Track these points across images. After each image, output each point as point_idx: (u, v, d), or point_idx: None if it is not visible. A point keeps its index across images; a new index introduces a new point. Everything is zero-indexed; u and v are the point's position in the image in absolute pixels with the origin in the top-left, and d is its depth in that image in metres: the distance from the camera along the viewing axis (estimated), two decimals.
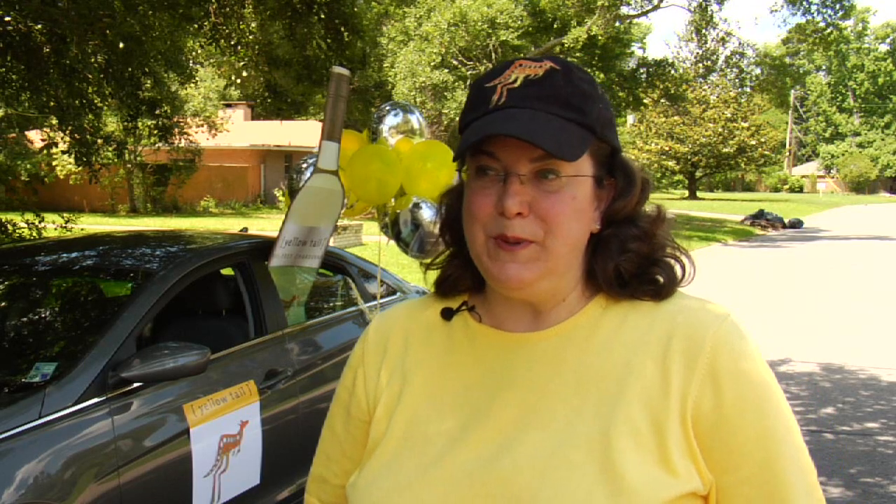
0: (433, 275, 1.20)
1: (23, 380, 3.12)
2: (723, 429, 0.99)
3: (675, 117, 47.31)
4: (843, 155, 75.94)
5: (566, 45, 25.20)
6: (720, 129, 49.35)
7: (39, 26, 8.81)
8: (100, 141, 10.53)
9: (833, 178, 76.64)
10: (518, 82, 1.03)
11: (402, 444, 1.08)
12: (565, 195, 1.01)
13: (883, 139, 75.67)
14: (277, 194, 29.27)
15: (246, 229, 5.94)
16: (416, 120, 4.46)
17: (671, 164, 52.09)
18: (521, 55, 28.02)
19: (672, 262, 1.10)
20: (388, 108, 4.53)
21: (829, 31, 29.06)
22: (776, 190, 74.99)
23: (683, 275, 1.09)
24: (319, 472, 1.25)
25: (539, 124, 0.99)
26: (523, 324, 1.10)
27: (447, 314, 1.15)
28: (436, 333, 1.16)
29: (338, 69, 4.03)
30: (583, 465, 0.97)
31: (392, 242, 4.49)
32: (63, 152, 12.51)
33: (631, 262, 1.07)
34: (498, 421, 1.04)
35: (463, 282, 1.16)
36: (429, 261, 1.20)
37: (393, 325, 1.19)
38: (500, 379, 1.07)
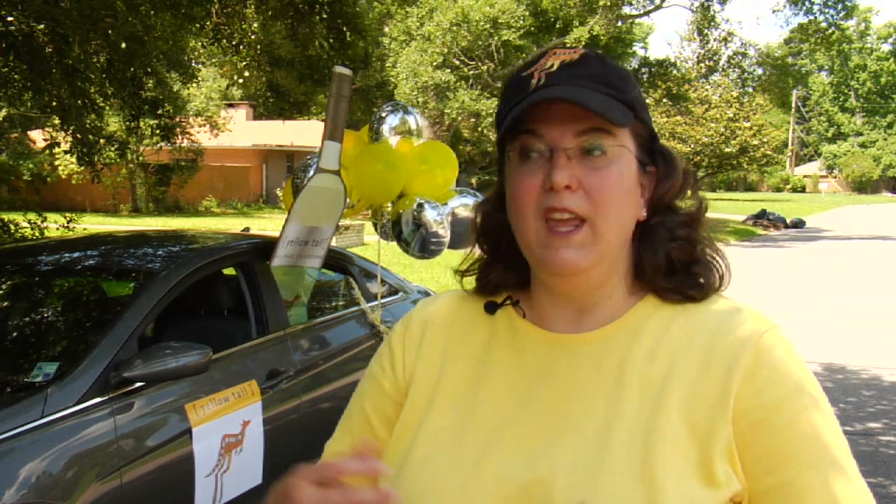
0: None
1: (25, 379, 3.12)
2: (760, 432, 0.97)
3: (677, 117, 47.22)
4: (845, 155, 75.84)
5: (568, 46, 25.18)
6: (722, 129, 49.24)
7: (42, 26, 8.82)
8: (102, 141, 10.55)
9: (835, 177, 76.55)
10: (555, 67, 1.03)
11: (440, 440, 1.06)
12: (612, 171, 1.00)
13: (885, 139, 75.55)
14: (279, 194, 29.27)
15: (248, 229, 5.95)
16: (413, 120, 4.47)
17: None
18: (524, 55, 27.98)
19: (713, 260, 1.09)
20: (387, 108, 4.54)
21: (831, 30, 29.04)
22: (778, 190, 74.91)
23: (721, 278, 1.09)
24: (340, 450, 1.19)
25: (584, 93, 0.99)
26: (567, 323, 1.08)
27: (491, 308, 1.14)
28: (478, 326, 1.14)
29: (340, 69, 4.02)
30: (621, 471, 0.95)
31: (391, 242, 4.50)
32: (65, 152, 12.52)
33: (682, 250, 1.06)
34: (535, 423, 1.03)
35: (506, 284, 1.14)
36: (464, 268, 1.18)
37: (437, 312, 1.17)
38: (539, 380, 1.06)
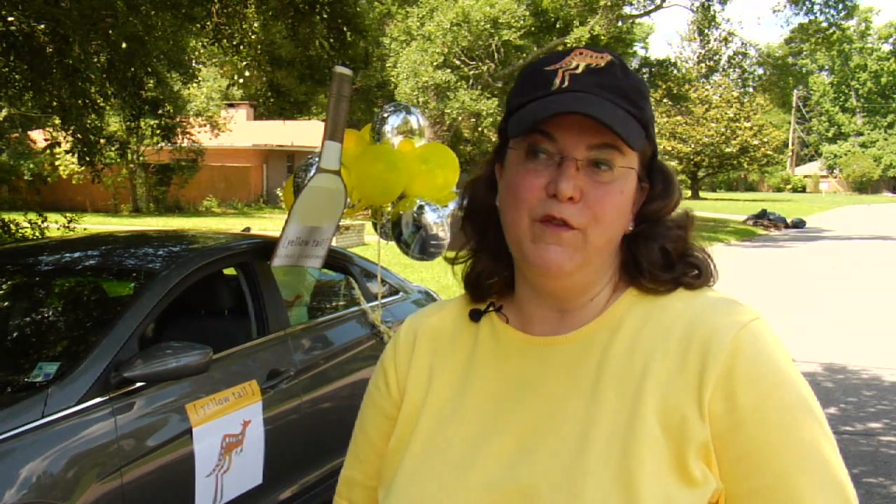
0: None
1: (25, 379, 3.12)
2: (738, 435, 0.95)
3: (678, 117, 47.27)
4: (845, 155, 75.82)
5: (569, 45, 25.15)
6: (723, 129, 49.33)
7: (42, 26, 8.83)
8: (102, 141, 10.56)
9: (836, 178, 76.54)
10: (580, 69, 1.02)
11: (427, 451, 1.07)
12: (615, 188, 1.01)
13: (886, 139, 75.54)
14: (279, 194, 29.25)
15: (248, 229, 5.95)
16: (415, 121, 4.47)
17: (674, 163, 52.08)
18: (525, 55, 27.81)
19: (703, 253, 1.10)
20: (390, 108, 4.54)
21: (831, 30, 29.04)
22: (779, 190, 74.91)
23: (711, 273, 1.09)
24: (350, 475, 1.22)
25: (607, 110, 0.98)
26: (549, 325, 1.08)
27: (475, 315, 1.14)
28: (463, 335, 1.15)
29: (340, 69, 4.02)
30: (600, 475, 0.95)
31: (392, 242, 4.50)
32: (66, 152, 12.53)
33: (675, 242, 1.07)
34: (518, 427, 1.03)
35: (492, 277, 1.14)
36: (453, 255, 1.18)
37: (422, 325, 1.18)
38: (521, 384, 1.06)
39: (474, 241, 1.15)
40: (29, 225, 10.23)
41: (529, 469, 0.99)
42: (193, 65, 15.59)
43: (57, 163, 25.35)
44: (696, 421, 0.96)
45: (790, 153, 76.84)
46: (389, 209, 4.39)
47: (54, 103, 9.69)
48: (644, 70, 29.96)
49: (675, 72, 30.86)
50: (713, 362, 0.97)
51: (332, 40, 10.27)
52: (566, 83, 1.01)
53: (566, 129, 0.99)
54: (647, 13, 30.33)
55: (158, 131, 12.21)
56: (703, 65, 34.28)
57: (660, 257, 1.06)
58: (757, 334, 0.99)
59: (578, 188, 0.99)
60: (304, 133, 32.98)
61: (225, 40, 10.85)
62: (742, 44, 32.09)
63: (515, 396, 1.05)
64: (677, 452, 0.95)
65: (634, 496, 0.93)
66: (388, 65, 28.18)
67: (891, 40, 78.73)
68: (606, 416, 0.99)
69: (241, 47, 11.12)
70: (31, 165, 26.47)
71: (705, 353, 0.98)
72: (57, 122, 10.62)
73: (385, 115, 4.48)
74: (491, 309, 1.13)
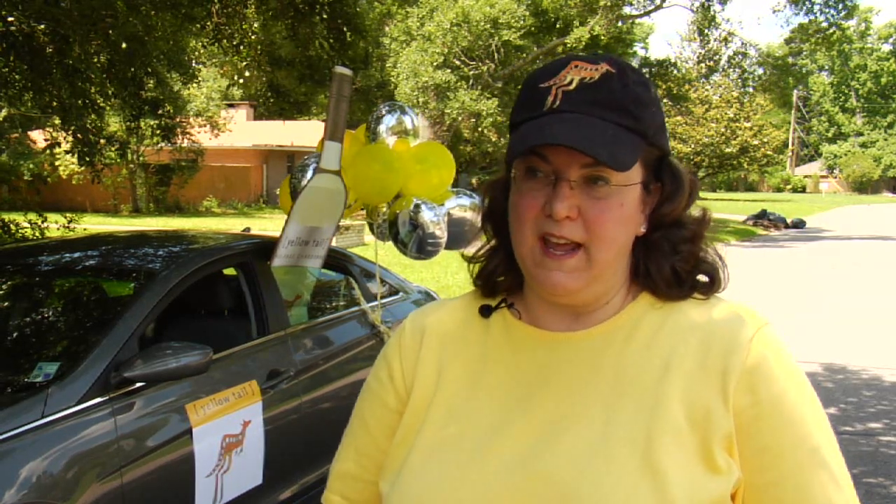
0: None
1: (25, 379, 3.12)
2: (759, 428, 1.00)
3: (678, 117, 47.20)
4: (845, 155, 75.80)
5: (569, 45, 25.20)
6: (723, 130, 49.26)
7: (42, 26, 8.83)
8: (102, 141, 10.56)
9: (836, 178, 76.52)
10: (573, 85, 1.02)
11: (439, 441, 1.07)
12: (613, 202, 1.02)
13: (886, 139, 75.51)
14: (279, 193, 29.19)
15: (248, 229, 5.95)
16: (409, 121, 4.46)
17: None
18: (524, 55, 27.74)
19: (715, 262, 1.12)
20: (385, 108, 4.53)
21: (831, 30, 29.04)
22: (779, 190, 74.88)
23: (721, 280, 1.11)
24: (346, 469, 1.21)
25: (594, 131, 0.99)
26: (563, 323, 1.10)
27: (486, 311, 1.15)
28: (473, 330, 1.15)
29: (340, 69, 4.02)
30: (624, 461, 0.98)
31: (387, 242, 4.50)
32: (66, 152, 12.53)
33: (686, 261, 1.09)
34: (535, 419, 1.04)
35: (505, 276, 1.15)
36: (471, 253, 1.19)
37: (430, 319, 1.18)
38: (537, 377, 1.07)
39: (494, 241, 1.17)
40: (29, 225, 10.23)
41: (551, 457, 1.00)
42: (193, 65, 15.60)
43: (57, 163, 25.33)
44: (722, 412, 1.00)
45: (790, 153, 76.80)
46: (385, 209, 4.39)
47: (54, 103, 9.69)
48: (644, 70, 29.96)
49: (675, 72, 30.86)
50: (735, 359, 1.01)
51: (332, 40, 10.27)
52: (558, 102, 1.02)
53: (558, 150, 1.01)
54: (647, 13, 30.33)
55: (158, 131, 12.22)
56: (703, 65, 34.33)
57: (670, 274, 1.08)
58: (770, 337, 1.05)
59: (575, 207, 1.01)
60: (304, 133, 32.97)
61: (225, 40, 10.85)
62: (742, 44, 32.12)
63: (531, 390, 1.07)
64: (703, 442, 0.99)
65: (662, 483, 0.96)
66: (388, 65, 28.16)
67: (891, 40, 78.70)
68: (628, 409, 1.01)
69: (241, 47, 11.12)
70: (31, 165, 26.45)
71: (726, 353, 1.02)
72: (57, 122, 10.62)
73: (380, 114, 4.47)
74: (503, 305, 1.15)
